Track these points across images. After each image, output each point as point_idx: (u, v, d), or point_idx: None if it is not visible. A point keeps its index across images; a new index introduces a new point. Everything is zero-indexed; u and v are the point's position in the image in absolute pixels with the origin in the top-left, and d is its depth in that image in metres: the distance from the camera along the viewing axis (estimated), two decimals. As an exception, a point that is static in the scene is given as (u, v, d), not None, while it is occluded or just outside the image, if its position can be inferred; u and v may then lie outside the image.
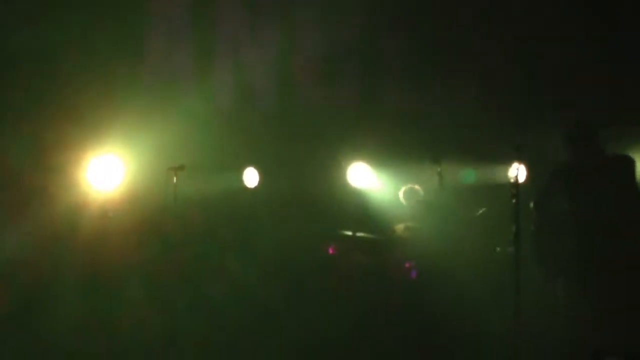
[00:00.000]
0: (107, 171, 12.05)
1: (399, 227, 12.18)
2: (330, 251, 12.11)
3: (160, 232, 11.75)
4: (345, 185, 13.01)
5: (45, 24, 12.87)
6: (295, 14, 13.52)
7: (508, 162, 10.36)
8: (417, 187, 12.43)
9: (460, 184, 12.44)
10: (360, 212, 12.76)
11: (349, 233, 12.14)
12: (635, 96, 12.65)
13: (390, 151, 12.86)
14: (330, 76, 13.70)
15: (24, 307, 11.01)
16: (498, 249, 11.01)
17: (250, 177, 13.11)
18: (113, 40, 13.24)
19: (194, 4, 13.94)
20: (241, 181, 13.12)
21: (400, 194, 12.49)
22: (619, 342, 9.28)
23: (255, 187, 13.17)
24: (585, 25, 12.94)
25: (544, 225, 10.05)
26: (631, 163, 9.90)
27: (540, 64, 13.20)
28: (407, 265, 11.76)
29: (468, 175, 13.02)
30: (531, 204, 10.05)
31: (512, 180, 9.61)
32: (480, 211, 11.84)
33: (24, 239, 11.55)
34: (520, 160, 9.58)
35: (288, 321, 11.05)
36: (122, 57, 13.29)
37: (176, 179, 11.32)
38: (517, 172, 9.54)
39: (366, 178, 12.94)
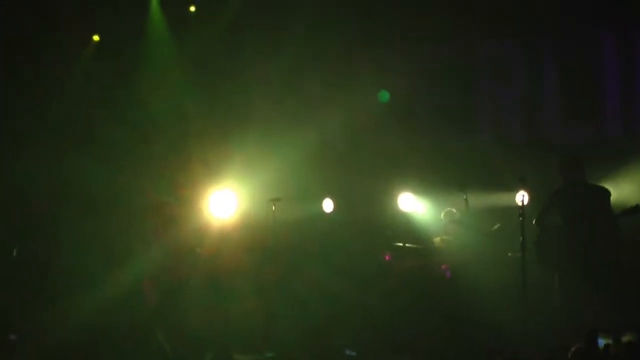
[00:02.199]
0: (225, 201, 12.06)
1: (437, 240, 12.29)
2: (387, 258, 12.14)
3: (263, 246, 12.02)
4: (396, 209, 12.84)
5: (179, 94, 13.39)
6: (358, 86, 13.38)
7: (516, 189, 10.17)
8: (454, 209, 12.39)
9: (481, 206, 12.18)
10: (408, 229, 12.66)
11: (400, 244, 12.17)
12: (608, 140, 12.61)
13: (429, 184, 12.78)
14: (385, 130, 13.58)
15: (167, 297, 10.99)
16: (510, 253, 11.05)
17: (328, 205, 13.02)
18: (229, 105, 13.65)
19: (286, 77, 13.93)
20: (321, 208, 13.02)
21: (442, 215, 12.46)
22: (605, 322, 9.11)
23: (331, 212, 13.03)
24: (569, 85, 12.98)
25: (543, 236, 10.15)
26: (606, 193, 10.05)
27: (537, 117, 13.12)
28: (443, 267, 11.84)
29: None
30: (533, 221, 10.17)
31: (519, 203, 9.80)
32: (496, 226, 11.80)
33: (166, 252, 11.41)
34: (525, 188, 9.80)
35: (356, 309, 11.18)
36: (235, 117, 13.64)
37: (274, 207, 11.83)
38: (523, 197, 9.77)
39: (411, 204, 12.83)
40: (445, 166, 12.95)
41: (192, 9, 14.03)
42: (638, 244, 10.75)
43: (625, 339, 8.43)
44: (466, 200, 12.11)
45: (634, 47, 12.58)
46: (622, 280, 10.15)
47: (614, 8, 12.45)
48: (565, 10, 12.60)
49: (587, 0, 12.55)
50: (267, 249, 12.06)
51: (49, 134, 13.16)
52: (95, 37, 13.92)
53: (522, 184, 9.78)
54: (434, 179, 12.82)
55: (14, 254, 11.86)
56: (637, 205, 9.70)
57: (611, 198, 10.07)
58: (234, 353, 10.28)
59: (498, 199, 11.94)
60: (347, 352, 10.01)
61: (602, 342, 8.47)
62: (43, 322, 10.99)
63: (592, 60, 12.83)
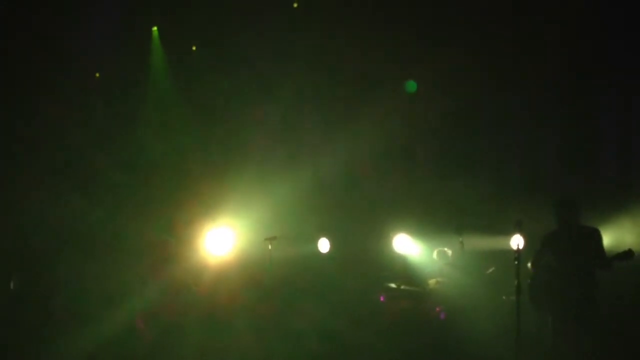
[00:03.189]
0: (222, 240, 12.31)
1: (432, 281, 12.26)
2: (382, 299, 12.18)
3: (259, 284, 12.07)
4: (392, 251, 12.95)
5: (178, 135, 13.44)
6: (357, 127, 13.40)
7: (511, 234, 10.41)
8: (447, 249, 12.42)
9: (476, 249, 12.16)
10: (403, 270, 12.71)
11: (395, 286, 12.21)
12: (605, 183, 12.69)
13: (425, 225, 12.84)
14: (381, 171, 13.78)
15: (163, 335, 11.03)
16: (504, 297, 11.09)
17: (324, 245, 13.17)
18: (227, 145, 13.75)
19: (284, 118, 14.11)
20: (317, 248, 13.12)
21: (434, 254, 12.47)
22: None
23: (327, 252, 13.19)
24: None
25: (536, 278, 10.06)
26: (598, 234, 9.90)
27: (532, 164, 13.19)
28: (437, 309, 11.82)
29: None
30: (528, 264, 10.05)
31: (514, 247, 9.51)
32: (491, 269, 11.79)
33: (163, 289, 11.45)
34: (521, 232, 9.53)
35: (350, 348, 11.04)
36: (232, 158, 13.73)
37: (271, 246, 11.87)
38: (518, 241, 9.48)
39: (407, 245, 12.90)
40: (442, 209, 13.00)
41: (194, 48, 14.16)
42: (630, 286, 10.85)
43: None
44: (462, 243, 12.08)
45: (631, 102, 12.70)
46: (613, 322, 10.21)
47: (611, 60, 12.65)
48: (565, 62, 12.70)
49: (586, 55, 12.65)
50: (263, 287, 12.04)
51: (50, 176, 13.18)
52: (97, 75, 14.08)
53: (518, 229, 9.57)
54: (431, 221, 12.85)
55: (12, 286, 11.85)
56: (629, 250, 9.62)
57: (605, 243, 9.92)
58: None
59: (494, 242, 11.94)
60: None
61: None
62: (41, 354, 10.93)
63: (590, 108, 12.94)
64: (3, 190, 13.02)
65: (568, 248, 9.88)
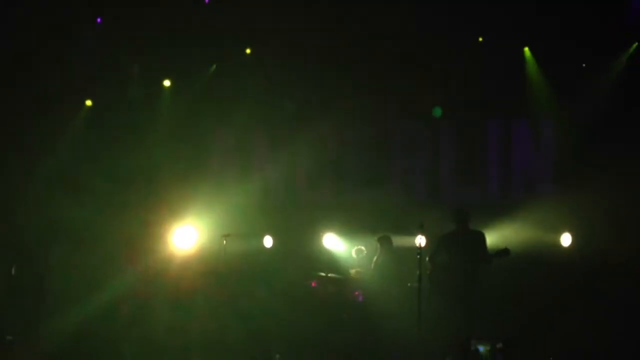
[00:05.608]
0: (186, 236, 12.96)
1: (352, 271, 13.01)
2: (313, 284, 12.77)
3: (215, 272, 12.71)
4: (322, 247, 13.74)
5: (152, 152, 14.16)
6: (296, 148, 14.29)
7: (415, 234, 10.84)
8: (362, 248, 13.21)
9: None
10: (330, 262, 13.37)
11: (324, 274, 12.79)
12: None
13: (349, 227, 13.64)
14: (316, 182, 14.74)
15: (138, 315, 11.96)
16: (409, 284, 11.65)
17: (268, 241, 13.75)
18: (191, 161, 14.43)
19: (239, 139, 15.02)
20: (262, 243, 13.75)
21: (353, 252, 13.31)
22: (479, 332, 10.57)
23: (271, 247, 13.77)
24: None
25: (434, 270, 11.11)
26: (482, 236, 11.03)
27: (433, 179, 14.44)
28: (356, 293, 12.54)
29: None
30: (427, 258, 11.03)
31: (417, 245, 10.55)
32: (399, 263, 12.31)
33: (137, 276, 12.63)
34: (423, 233, 10.57)
35: (289, 323, 11.78)
36: (196, 167, 14.47)
37: (225, 242, 12.51)
38: (421, 239, 10.58)
39: (334, 242, 13.73)
40: (362, 215, 13.67)
41: (166, 84, 14.93)
42: (508, 274, 12.01)
43: (498, 345, 10.12)
44: (377, 241, 12.83)
45: (511, 132, 14.24)
46: (494, 302, 11.51)
47: (498, 101, 14.03)
48: (461, 101, 13.98)
49: (477, 94, 13.88)
50: (219, 275, 12.61)
51: (46, 184, 13.79)
52: (88, 102, 14.69)
53: (421, 230, 10.52)
54: (353, 224, 13.62)
55: (13, 272, 12.52)
56: (506, 248, 10.76)
57: (489, 241, 11.11)
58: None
59: (402, 240, 12.69)
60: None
61: (480, 347, 10.25)
62: (36, 328, 11.60)
63: (479, 139, 14.33)
64: (6, 196, 13.60)
65: (459, 248, 10.88)
